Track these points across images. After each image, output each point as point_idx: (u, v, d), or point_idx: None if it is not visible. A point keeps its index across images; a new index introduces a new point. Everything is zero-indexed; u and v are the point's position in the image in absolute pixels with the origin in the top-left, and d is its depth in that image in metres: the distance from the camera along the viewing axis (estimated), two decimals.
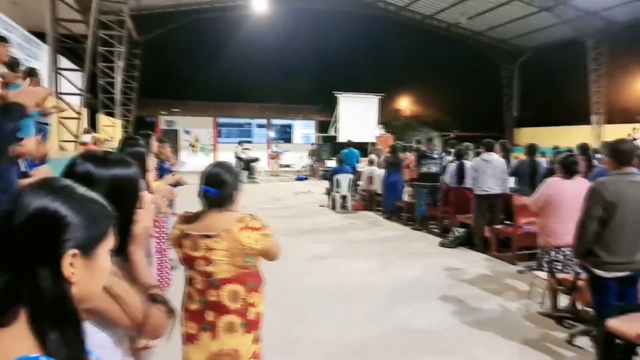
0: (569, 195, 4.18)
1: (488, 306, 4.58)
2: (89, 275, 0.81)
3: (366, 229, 8.38)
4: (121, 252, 1.21)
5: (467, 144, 9.70)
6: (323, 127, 22.59)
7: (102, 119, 13.59)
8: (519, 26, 20.98)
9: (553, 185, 4.37)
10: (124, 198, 1.23)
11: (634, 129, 17.82)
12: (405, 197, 8.87)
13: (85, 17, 10.31)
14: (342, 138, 19.18)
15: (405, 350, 3.66)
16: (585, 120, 20.58)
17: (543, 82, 23.39)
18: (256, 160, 16.78)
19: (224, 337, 1.92)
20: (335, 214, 9.85)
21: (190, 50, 21.37)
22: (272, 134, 23.33)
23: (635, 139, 13.08)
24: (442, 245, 7.06)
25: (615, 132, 18.18)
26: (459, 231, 7.09)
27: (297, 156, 20.81)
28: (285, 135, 24.31)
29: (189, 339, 1.99)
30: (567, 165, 4.39)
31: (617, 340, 3.02)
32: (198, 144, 21.96)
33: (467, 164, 7.56)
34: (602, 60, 19.99)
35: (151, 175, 3.43)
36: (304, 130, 24.67)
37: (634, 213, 3.05)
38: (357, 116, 21.10)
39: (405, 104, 30.97)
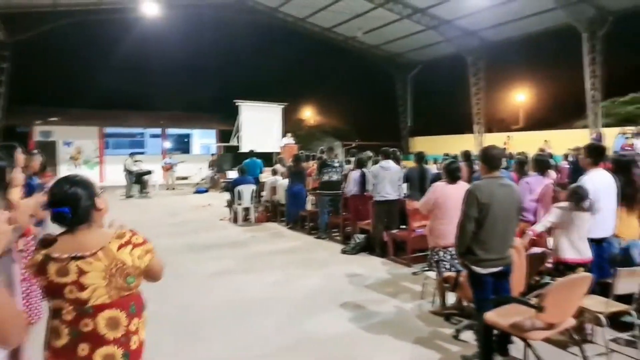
0: (453, 198, 4.49)
1: (385, 309, 4.73)
2: None
3: (269, 241, 8.27)
4: None
5: (368, 152, 10.11)
6: (225, 136, 22.02)
7: None
8: (410, 42, 22.60)
9: (439, 190, 4.68)
10: None
11: (509, 136, 20.05)
12: (309, 206, 8.94)
13: None
14: (244, 148, 18.81)
15: None
16: (470, 130, 22.69)
17: (433, 94, 25.40)
18: (149, 173, 15.72)
19: None
20: (237, 227, 9.59)
21: (73, 54, 19.63)
22: (167, 144, 22.12)
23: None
24: (343, 252, 7.21)
25: (494, 140, 20.27)
26: (359, 237, 7.30)
27: (196, 167, 19.81)
28: (182, 145, 23.24)
29: None
30: (450, 171, 4.73)
31: (495, 331, 3.30)
32: (80, 156, 20.06)
33: (367, 171, 7.85)
34: (480, 75, 22.26)
35: (16, 191, 3.01)
36: (204, 140, 23.75)
37: (503, 213, 3.34)
38: (260, 125, 20.89)
39: (309, 114, 31.57)
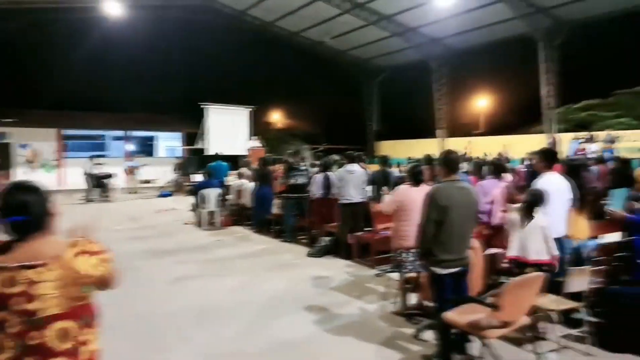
0: (415, 201, 4.58)
1: (349, 311, 4.78)
2: None
3: (235, 245, 8.18)
4: None
5: (334, 156, 10.18)
6: (190, 139, 21.64)
7: None
8: (376, 47, 22.98)
9: (402, 193, 4.77)
10: None
11: (469, 141, 20.65)
12: (275, 210, 8.90)
13: None
14: (211, 151, 18.56)
15: None
16: (433, 134, 23.24)
17: (399, 99, 25.85)
18: (109, 176, 15.25)
19: None
20: (201, 231, 9.43)
21: (31, 53, 18.80)
22: (130, 146, 21.53)
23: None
24: (309, 255, 7.22)
25: (456, 144, 20.89)
26: (325, 240, 7.34)
27: (160, 171, 19.19)
28: (147, 148, 22.64)
29: None
30: (413, 175, 4.84)
31: (453, 330, 3.38)
32: (37, 159, 19.22)
33: (332, 175, 7.91)
34: (444, 81, 22.89)
35: None
36: (169, 142, 23.25)
37: (461, 215, 3.44)
38: (227, 128, 20.71)
39: (277, 117, 31.45)
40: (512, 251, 4.02)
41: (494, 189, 5.75)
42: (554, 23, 17.39)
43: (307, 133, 28.42)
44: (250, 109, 21.95)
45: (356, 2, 18.93)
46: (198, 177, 13.24)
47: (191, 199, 10.59)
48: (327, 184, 7.87)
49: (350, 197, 7.06)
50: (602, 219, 5.42)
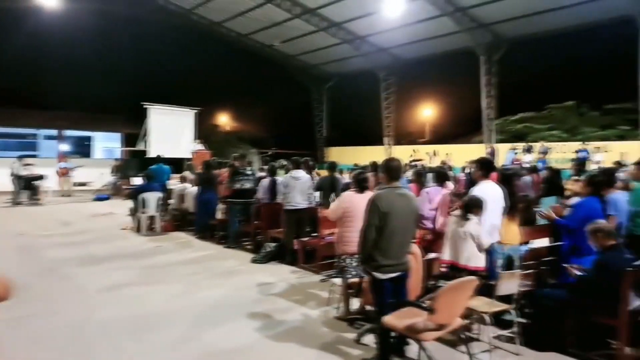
0: (360, 207, 4.62)
1: (292, 317, 4.72)
2: None
3: (175, 251, 7.88)
4: None
5: (281, 160, 10.11)
6: (131, 140, 20.73)
7: None
8: (326, 54, 23.21)
9: (347, 199, 4.79)
10: None
11: (414, 150, 21.30)
12: (219, 215, 8.69)
13: None
14: (152, 153, 17.83)
15: None
16: (381, 141, 23.77)
17: (347, 106, 26.28)
18: (40, 178, 14.26)
19: None
20: (140, 237, 9.02)
21: None
22: (64, 147, 20.27)
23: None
24: (253, 261, 7.10)
25: (402, 151, 21.48)
26: (270, 246, 7.24)
27: (97, 173, 18.18)
28: (83, 148, 21.46)
29: None
30: (358, 181, 4.88)
31: (392, 333, 3.43)
32: None
33: (279, 180, 7.84)
34: (391, 90, 23.50)
35: None
36: (108, 143, 22.18)
37: (402, 221, 3.51)
38: (171, 130, 20.01)
39: (224, 120, 30.90)
40: (445, 256, 4.15)
41: (437, 196, 5.92)
42: (494, 39, 18.39)
43: (255, 137, 28.16)
44: (196, 111, 21.32)
45: (307, 8, 19.04)
46: (138, 180, 12.67)
47: (130, 203, 10.11)
48: (273, 189, 7.79)
49: (295, 203, 7.03)
50: (532, 225, 5.74)
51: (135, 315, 4.72)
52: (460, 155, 16.92)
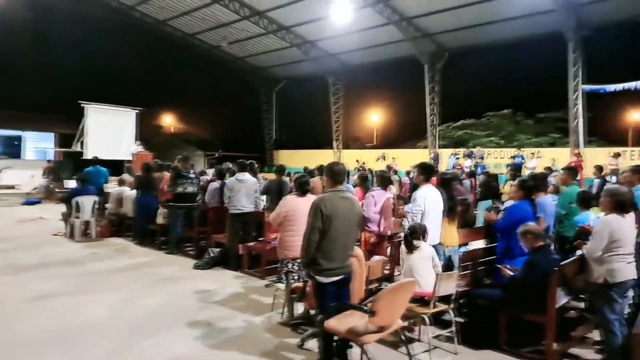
0: (302, 211, 4.58)
1: (234, 324, 4.59)
2: None
3: (111, 258, 7.45)
4: None
5: (228, 163, 9.86)
6: (66, 141, 19.53)
7: None
8: (275, 57, 23.12)
9: (289, 203, 4.74)
10: None
11: (357, 161, 21.54)
12: (160, 220, 8.33)
13: None
14: (89, 154, 16.81)
15: None
16: (330, 145, 23.96)
17: (297, 109, 26.28)
18: None
19: None
20: (73, 243, 8.47)
21: None
22: None
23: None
24: (196, 267, 6.86)
25: (350, 155, 21.78)
26: (214, 251, 7.03)
27: (27, 175, 16.88)
28: (12, 149, 19.99)
29: None
30: (300, 185, 4.84)
31: (335, 337, 3.41)
32: None
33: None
34: (340, 95, 23.77)
35: None
36: (40, 143, 20.79)
37: (344, 224, 3.51)
38: (110, 131, 19.03)
39: (169, 121, 29.92)
40: (403, 277, 4.17)
41: (381, 200, 6.00)
42: (437, 48, 19.11)
43: (202, 139, 27.47)
44: (137, 111, 20.38)
45: (256, 10, 18.88)
46: (72, 183, 11.93)
47: (63, 208, 9.48)
48: (222, 193, 7.57)
49: (241, 206, 6.89)
50: (471, 228, 5.97)
51: (64, 327, 4.40)
52: (406, 160, 17.38)
